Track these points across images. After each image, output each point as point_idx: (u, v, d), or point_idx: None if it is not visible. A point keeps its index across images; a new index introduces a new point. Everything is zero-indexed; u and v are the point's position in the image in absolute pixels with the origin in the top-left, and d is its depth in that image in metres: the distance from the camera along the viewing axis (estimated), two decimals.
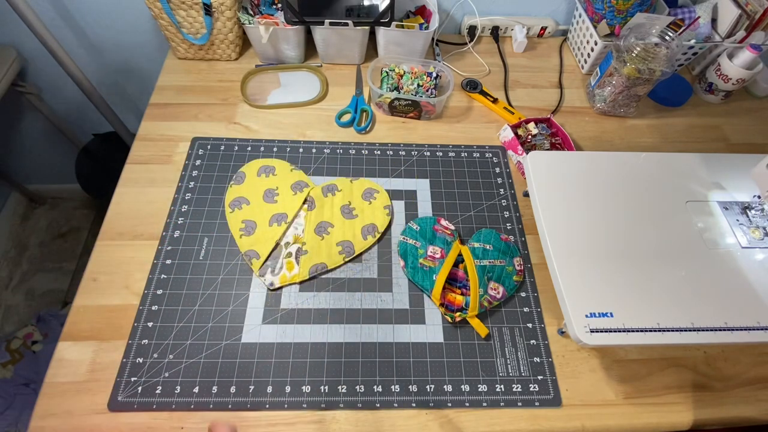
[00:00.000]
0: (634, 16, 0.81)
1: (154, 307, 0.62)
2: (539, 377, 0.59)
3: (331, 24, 0.84)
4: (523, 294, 0.66)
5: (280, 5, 0.87)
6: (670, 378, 0.61)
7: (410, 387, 0.58)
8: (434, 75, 0.85)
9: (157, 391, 0.55)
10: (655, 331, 0.54)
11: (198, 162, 0.77)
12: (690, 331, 0.55)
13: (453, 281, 0.66)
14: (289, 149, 0.80)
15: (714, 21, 0.89)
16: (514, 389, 0.58)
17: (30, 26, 0.86)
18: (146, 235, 0.68)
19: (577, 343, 0.54)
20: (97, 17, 0.97)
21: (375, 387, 0.58)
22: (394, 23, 0.85)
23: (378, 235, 0.70)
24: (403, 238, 0.69)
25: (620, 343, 0.53)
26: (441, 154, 0.81)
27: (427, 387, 0.58)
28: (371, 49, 0.95)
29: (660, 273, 0.59)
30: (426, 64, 0.87)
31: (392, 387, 0.58)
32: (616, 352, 0.62)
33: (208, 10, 0.81)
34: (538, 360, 0.61)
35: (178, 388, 0.56)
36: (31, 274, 1.48)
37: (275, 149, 0.79)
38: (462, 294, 0.64)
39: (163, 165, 0.76)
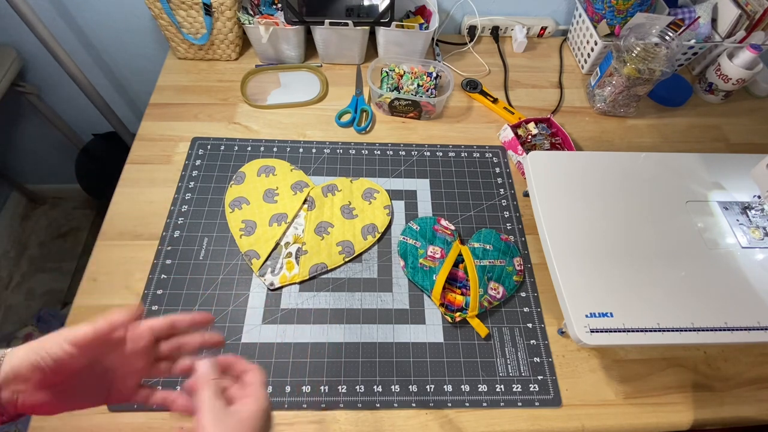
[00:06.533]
0: (634, 16, 0.81)
1: (154, 307, 0.62)
2: (539, 377, 0.59)
3: (331, 24, 0.84)
4: (523, 294, 0.66)
5: (280, 5, 0.87)
6: (670, 378, 0.61)
7: (410, 387, 0.58)
8: (434, 75, 0.85)
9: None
10: (655, 331, 0.54)
11: (198, 162, 0.77)
12: (690, 331, 0.55)
13: (453, 281, 0.66)
14: (289, 149, 0.80)
15: (714, 21, 0.89)
16: (514, 389, 0.58)
17: (30, 26, 0.86)
18: (146, 235, 0.68)
19: (577, 343, 0.54)
20: (97, 17, 0.97)
21: (375, 387, 0.58)
22: (394, 23, 0.85)
23: (378, 235, 0.70)
24: (403, 238, 0.69)
25: (620, 343, 0.54)
26: (441, 154, 0.81)
27: (427, 387, 0.58)
28: (371, 49, 0.95)
29: (660, 273, 0.59)
30: (426, 64, 0.87)
31: (392, 387, 0.58)
32: (616, 352, 0.62)
33: (208, 10, 0.81)
34: (538, 360, 0.61)
35: (178, 388, 0.56)
36: (31, 274, 1.48)
37: (275, 149, 0.79)
38: (462, 294, 0.64)
39: (163, 165, 0.76)
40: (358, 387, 0.58)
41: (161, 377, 0.41)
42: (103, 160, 1.31)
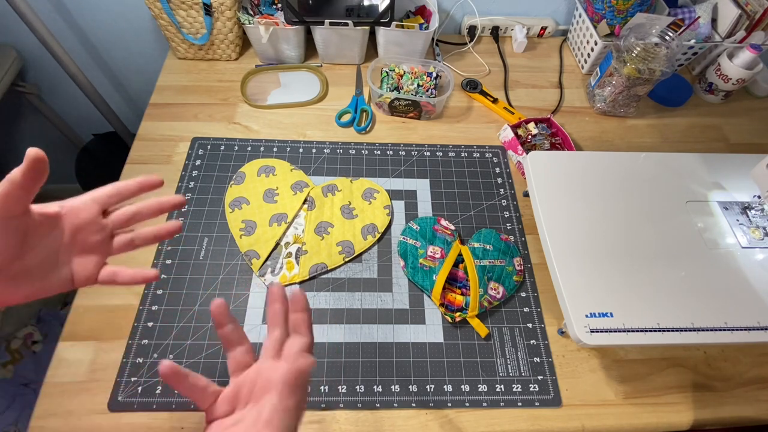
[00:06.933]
0: (634, 16, 0.81)
1: (154, 307, 0.62)
2: (539, 377, 0.59)
3: (331, 24, 0.84)
4: (523, 294, 0.66)
5: (280, 5, 0.87)
6: (670, 378, 0.61)
7: (410, 387, 0.58)
8: (434, 75, 0.85)
9: (157, 392, 0.55)
10: (655, 331, 0.54)
11: (198, 162, 0.77)
12: (690, 331, 0.55)
13: (453, 281, 0.66)
14: (289, 149, 0.80)
15: (714, 21, 0.89)
16: (514, 389, 0.58)
17: (30, 26, 0.86)
18: None
19: (577, 343, 0.54)
20: (97, 17, 0.97)
21: (375, 387, 0.58)
22: (394, 23, 0.85)
23: (378, 235, 0.70)
24: (403, 238, 0.69)
25: (620, 343, 0.54)
26: (441, 154, 0.81)
27: (427, 387, 0.58)
28: (371, 49, 0.95)
29: (660, 273, 0.59)
30: (426, 64, 0.87)
31: (392, 387, 0.58)
32: (616, 352, 0.62)
33: (208, 10, 0.81)
34: (538, 360, 0.61)
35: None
36: None
37: (275, 149, 0.79)
38: (462, 294, 0.64)
39: (163, 165, 0.76)
40: (358, 387, 0.57)
41: (124, 252, 0.39)
42: (103, 160, 1.31)
